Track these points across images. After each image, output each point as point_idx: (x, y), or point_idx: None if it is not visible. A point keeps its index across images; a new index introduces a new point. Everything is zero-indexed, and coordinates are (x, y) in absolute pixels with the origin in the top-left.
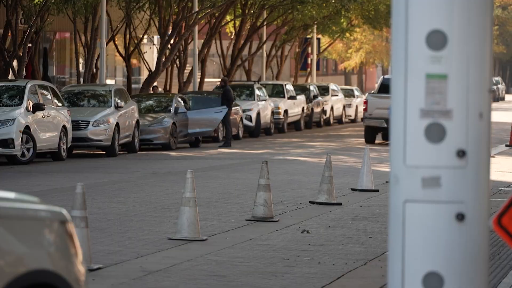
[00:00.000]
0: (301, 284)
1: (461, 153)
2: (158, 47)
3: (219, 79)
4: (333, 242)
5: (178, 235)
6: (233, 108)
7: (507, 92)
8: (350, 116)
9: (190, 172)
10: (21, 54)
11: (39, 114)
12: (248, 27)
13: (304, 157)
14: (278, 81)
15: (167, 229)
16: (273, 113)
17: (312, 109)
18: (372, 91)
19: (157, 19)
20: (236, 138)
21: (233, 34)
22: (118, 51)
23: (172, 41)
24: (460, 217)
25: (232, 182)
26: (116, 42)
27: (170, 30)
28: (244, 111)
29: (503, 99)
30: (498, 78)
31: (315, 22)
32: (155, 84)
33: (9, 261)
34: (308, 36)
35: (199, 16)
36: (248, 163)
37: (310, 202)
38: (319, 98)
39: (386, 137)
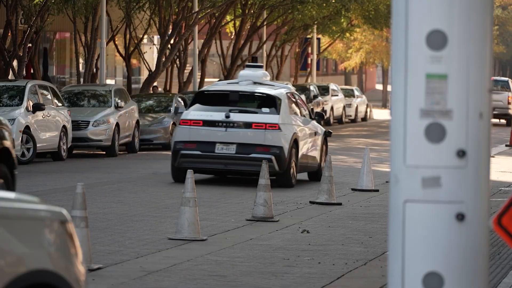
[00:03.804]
0: (301, 284)
1: (461, 153)
2: (158, 47)
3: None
4: (333, 242)
5: (178, 235)
6: None
7: None
8: (350, 116)
9: (190, 172)
10: (21, 54)
11: (39, 114)
12: (248, 27)
13: None
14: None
15: (167, 229)
16: None
17: (312, 109)
18: None
19: (157, 19)
20: None
21: (233, 34)
22: (118, 51)
23: (172, 41)
24: (460, 217)
25: (232, 182)
26: (116, 42)
27: (170, 30)
28: None
29: None
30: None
31: (315, 22)
32: (155, 84)
33: (9, 261)
34: (308, 36)
35: (199, 16)
36: None
37: (310, 202)
38: (319, 98)
39: None
